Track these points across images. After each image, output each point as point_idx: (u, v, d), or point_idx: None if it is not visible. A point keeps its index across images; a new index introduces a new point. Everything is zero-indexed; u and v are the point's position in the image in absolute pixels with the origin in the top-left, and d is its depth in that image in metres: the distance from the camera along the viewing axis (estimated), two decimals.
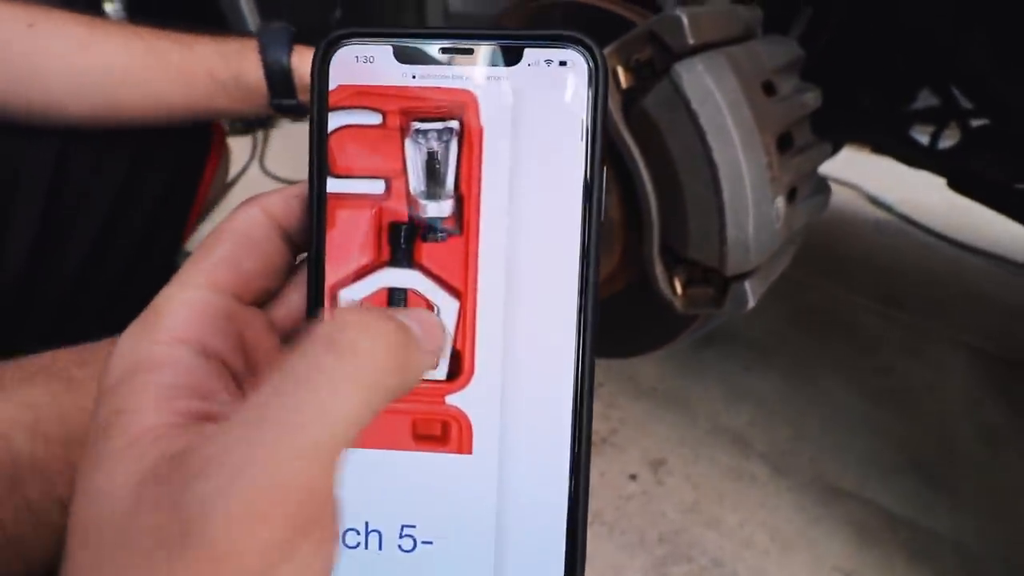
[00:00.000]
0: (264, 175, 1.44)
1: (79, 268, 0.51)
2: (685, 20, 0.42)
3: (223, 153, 0.68)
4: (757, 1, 0.54)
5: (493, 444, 0.18)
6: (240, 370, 0.17)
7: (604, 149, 0.18)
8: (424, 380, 0.18)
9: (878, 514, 0.77)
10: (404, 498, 0.18)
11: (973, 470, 0.85)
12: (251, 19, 0.83)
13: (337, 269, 0.18)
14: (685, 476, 0.83)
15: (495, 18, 0.62)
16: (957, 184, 0.70)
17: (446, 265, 0.18)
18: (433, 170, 0.18)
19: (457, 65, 0.18)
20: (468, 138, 0.18)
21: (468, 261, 0.18)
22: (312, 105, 0.18)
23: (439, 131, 0.18)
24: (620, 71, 0.47)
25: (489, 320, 0.18)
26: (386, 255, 0.18)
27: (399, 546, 0.18)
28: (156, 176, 0.57)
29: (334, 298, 0.18)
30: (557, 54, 0.17)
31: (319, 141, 0.18)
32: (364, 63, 0.18)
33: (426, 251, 0.18)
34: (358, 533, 0.18)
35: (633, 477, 0.82)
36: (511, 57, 0.18)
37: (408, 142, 0.18)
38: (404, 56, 0.18)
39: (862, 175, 1.65)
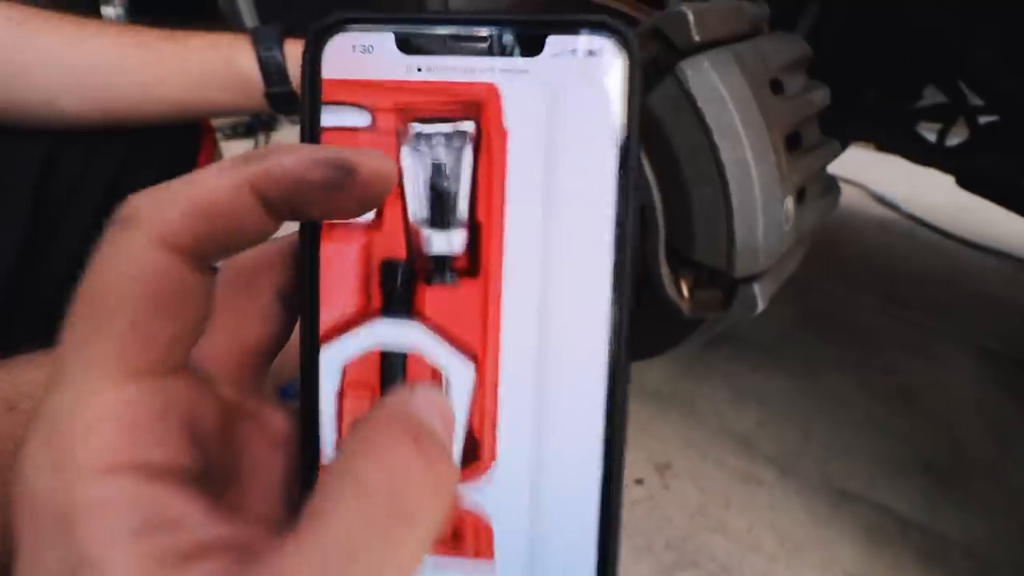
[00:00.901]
0: None
1: (68, 268, 0.51)
2: (690, 17, 0.42)
3: (214, 153, 0.67)
4: None
5: (519, 548, 0.14)
6: (204, 466, 0.13)
7: (639, 161, 0.15)
8: None
9: (887, 516, 0.76)
10: None
11: (982, 471, 0.84)
12: (249, 19, 0.82)
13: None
14: (691, 479, 0.82)
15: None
16: (965, 182, 0.69)
17: (457, 317, 0.14)
18: (440, 189, 0.14)
19: (470, 56, 0.14)
20: (487, 145, 0.14)
21: (487, 312, 0.14)
22: (302, 103, 0.15)
23: (448, 135, 0.14)
24: None
25: (514, 390, 0.14)
26: (378, 304, 0.14)
27: None
28: (146, 175, 0.56)
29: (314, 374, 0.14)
30: (585, 42, 0.14)
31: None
32: (362, 53, 0.14)
33: (431, 299, 0.14)
34: None
35: (639, 482, 0.81)
36: (532, 46, 0.14)
37: (406, 151, 0.14)
38: (408, 45, 0.14)
39: (867, 174, 1.64)
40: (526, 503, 0.14)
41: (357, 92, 0.14)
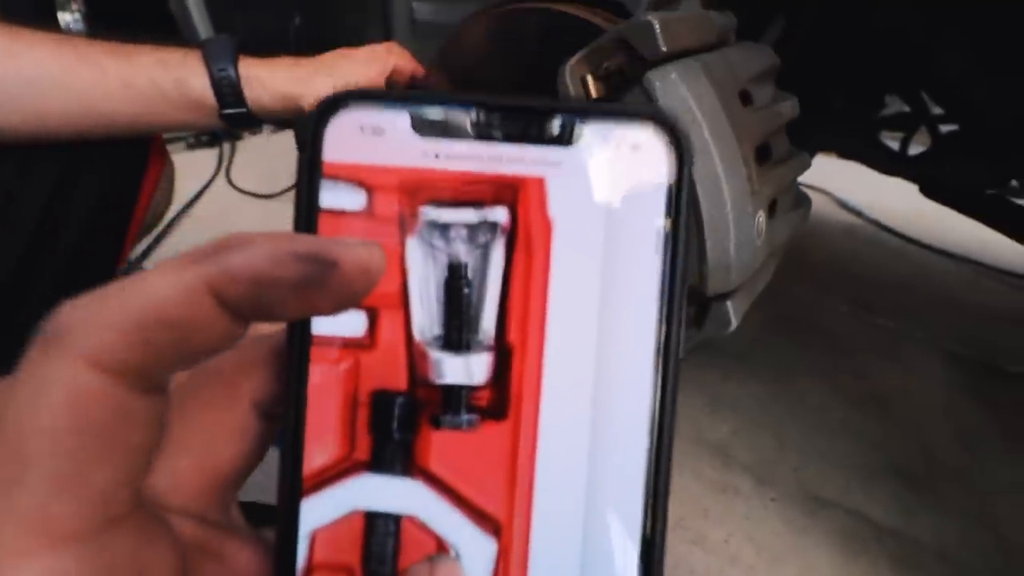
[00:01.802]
0: (230, 188, 1.39)
1: (5, 284, 0.48)
2: (657, 26, 0.40)
3: (165, 166, 0.64)
4: (730, 8, 0.53)
5: None
6: None
7: (687, 268, 0.12)
8: None
9: (863, 523, 0.77)
10: None
11: (952, 475, 0.85)
12: (203, 28, 0.79)
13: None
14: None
15: (460, 24, 0.59)
16: (928, 190, 0.70)
17: (474, 474, 0.11)
18: (458, 297, 0.11)
19: (497, 143, 0.12)
20: (525, 242, 0.11)
21: (516, 468, 0.11)
22: (299, 188, 0.12)
23: (472, 226, 0.11)
24: (590, 79, 0.45)
25: (550, 572, 0.11)
26: (364, 452, 0.11)
27: None
28: (88, 189, 0.53)
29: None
30: (628, 133, 0.12)
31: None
32: (371, 135, 0.12)
33: (438, 448, 0.11)
34: None
35: None
36: (568, 134, 0.12)
37: (413, 244, 0.11)
38: (426, 127, 0.12)
39: (831, 180, 1.68)
40: None
41: (361, 176, 0.12)
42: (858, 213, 1.59)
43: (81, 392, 0.10)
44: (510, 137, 0.12)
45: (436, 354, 0.11)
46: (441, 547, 0.11)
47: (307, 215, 0.12)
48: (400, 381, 0.11)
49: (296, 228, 0.12)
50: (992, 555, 0.72)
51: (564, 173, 0.12)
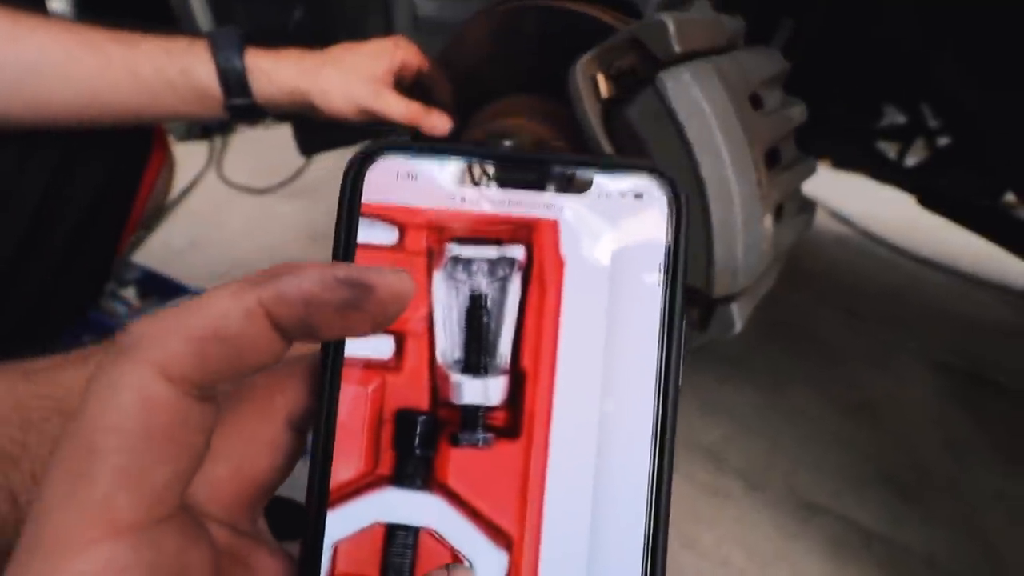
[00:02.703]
0: (221, 182, 1.37)
1: (2, 269, 0.47)
2: (671, 26, 0.40)
3: (166, 157, 0.63)
4: (739, 10, 0.53)
5: None
6: None
7: (684, 308, 0.13)
8: None
9: (853, 529, 0.77)
10: None
11: (941, 484, 0.86)
12: (203, 19, 0.78)
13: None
14: None
15: (463, 22, 0.59)
16: (926, 201, 0.71)
17: (489, 489, 0.12)
18: (478, 325, 0.12)
19: (515, 190, 0.13)
20: (540, 277, 0.13)
21: (528, 484, 0.12)
22: (339, 224, 0.13)
23: (492, 261, 0.13)
24: (600, 79, 0.44)
25: None
26: (387, 467, 0.12)
27: None
28: (89, 176, 0.52)
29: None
30: (633, 184, 0.13)
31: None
32: (404, 179, 0.13)
33: (456, 464, 0.12)
34: None
35: None
36: (578, 183, 0.13)
37: (439, 276, 0.13)
38: (452, 174, 0.13)
39: (823, 190, 1.69)
40: None
41: (393, 215, 0.13)
42: (849, 223, 1.61)
43: (149, 397, 0.11)
44: (527, 184, 0.13)
45: (457, 376, 0.12)
46: (456, 559, 0.12)
47: (346, 248, 0.13)
48: (423, 401, 0.12)
49: (334, 259, 0.13)
50: (980, 565, 0.73)
51: (575, 217, 0.13)
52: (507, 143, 0.52)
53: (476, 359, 0.12)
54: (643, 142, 0.43)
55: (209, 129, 1.57)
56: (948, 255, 1.51)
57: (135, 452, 0.11)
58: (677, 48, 0.41)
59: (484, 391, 0.12)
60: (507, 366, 0.12)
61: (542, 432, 0.12)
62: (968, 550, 0.75)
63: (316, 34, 0.83)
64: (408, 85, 0.54)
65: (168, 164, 0.65)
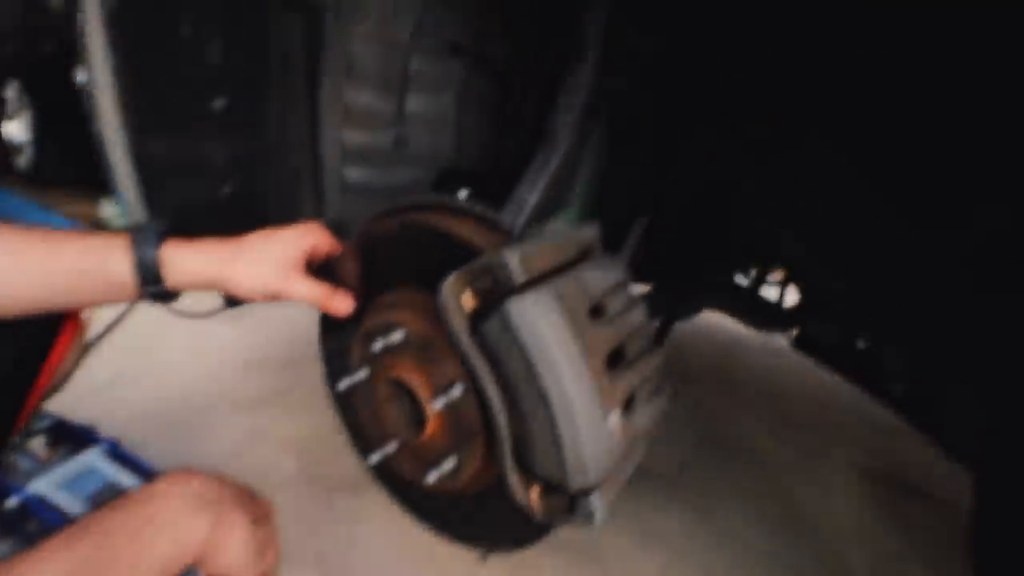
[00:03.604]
0: (157, 305, 1.38)
1: None
2: (513, 261, 0.47)
3: (77, 329, 0.65)
4: (602, 212, 0.61)
5: None
6: None
7: None
8: None
9: None
10: None
11: None
12: (133, 194, 0.82)
13: None
14: None
15: (371, 218, 0.66)
16: (799, 344, 0.79)
17: None
18: None
19: None
20: None
21: None
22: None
23: None
24: (467, 295, 0.51)
25: None
26: None
27: None
28: None
29: None
30: None
31: None
32: None
33: None
34: None
35: None
36: None
37: None
38: None
39: None
40: None
41: None
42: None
43: None
44: None
45: None
46: None
47: None
48: None
49: None
50: None
51: None
52: (397, 334, 0.57)
53: None
54: (500, 356, 0.49)
55: None
56: None
57: None
58: (519, 280, 0.47)
59: None
60: None
61: None
62: None
63: (247, 207, 0.89)
64: (318, 266, 0.60)
65: (79, 336, 0.67)
